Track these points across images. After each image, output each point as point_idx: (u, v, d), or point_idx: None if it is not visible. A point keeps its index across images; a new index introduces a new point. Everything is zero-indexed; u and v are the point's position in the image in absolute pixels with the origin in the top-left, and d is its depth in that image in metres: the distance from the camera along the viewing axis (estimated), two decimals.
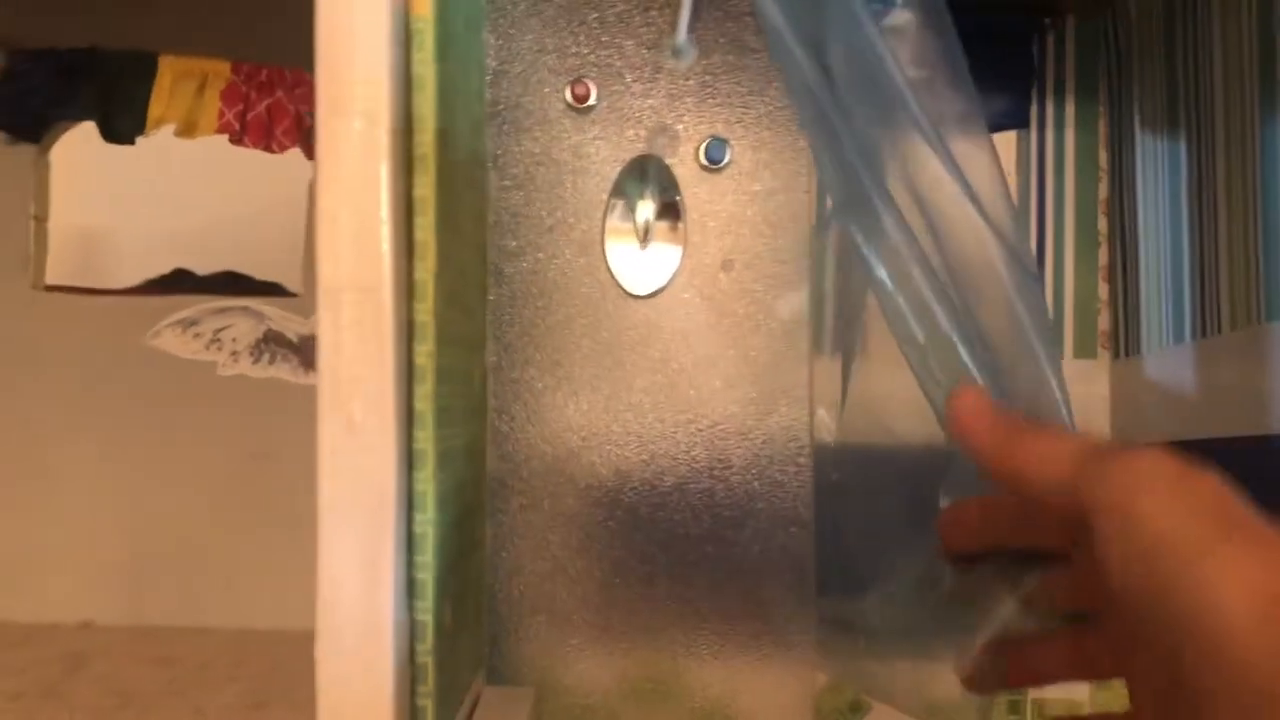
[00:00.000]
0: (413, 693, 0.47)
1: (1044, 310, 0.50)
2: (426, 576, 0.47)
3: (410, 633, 0.47)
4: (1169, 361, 1.14)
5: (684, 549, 0.63)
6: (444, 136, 0.51)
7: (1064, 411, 0.48)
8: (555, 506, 0.63)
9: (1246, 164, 0.82)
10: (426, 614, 0.47)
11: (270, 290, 1.25)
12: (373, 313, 0.44)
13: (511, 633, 0.62)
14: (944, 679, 0.49)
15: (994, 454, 0.32)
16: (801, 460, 0.63)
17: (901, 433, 0.58)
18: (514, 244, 0.63)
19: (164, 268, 1.37)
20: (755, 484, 0.62)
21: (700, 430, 0.63)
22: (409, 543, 0.47)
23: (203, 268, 1.32)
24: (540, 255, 0.63)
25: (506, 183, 0.63)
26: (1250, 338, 0.81)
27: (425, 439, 0.48)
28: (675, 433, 0.63)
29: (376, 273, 0.44)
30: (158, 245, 1.51)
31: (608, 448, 0.63)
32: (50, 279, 1.16)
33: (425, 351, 0.48)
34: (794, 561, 0.63)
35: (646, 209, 0.63)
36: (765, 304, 0.64)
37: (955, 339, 0.47)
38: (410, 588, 0.47)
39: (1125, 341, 1.25)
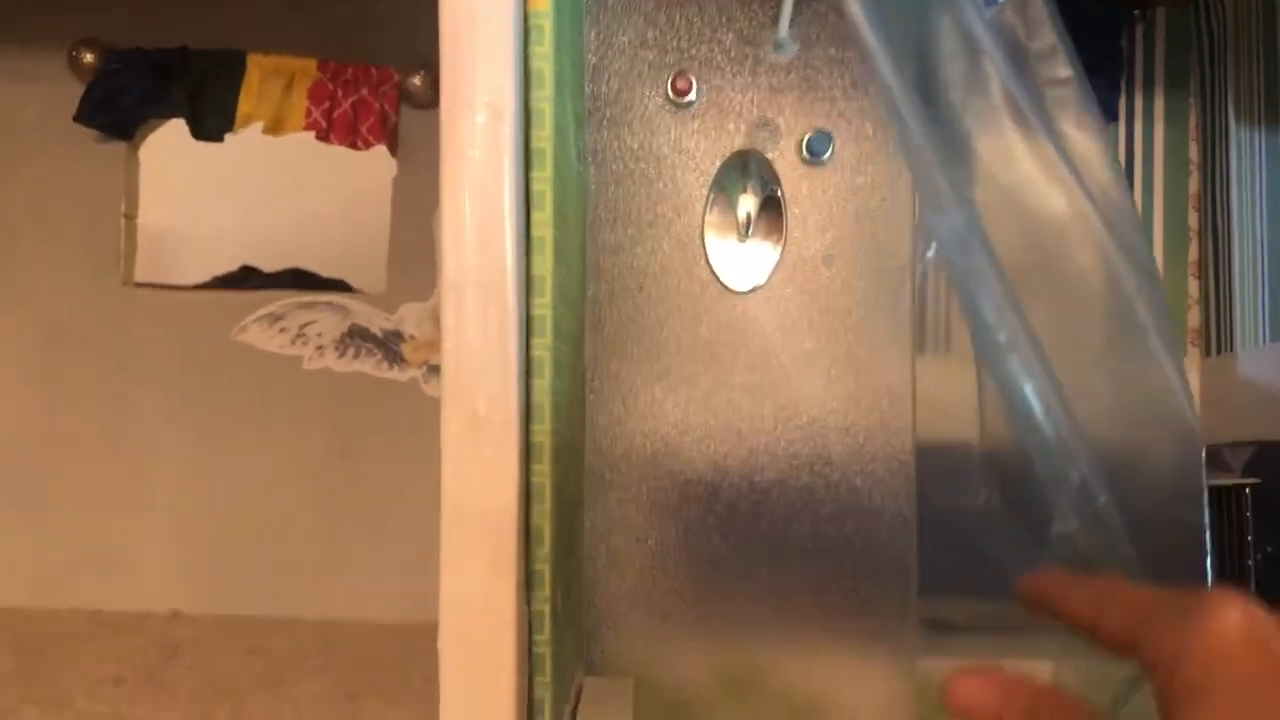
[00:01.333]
0: (530, 683, 0.48)
1: (1165, 312, 0.49)
2: (545, 568, 0.47)
3: (529, 624, 0.47)
4: (1265, 359, 1.11)
5: (783, 544, 0.62)
6: (559, 130, 0.51)
7: (1189, 415, 0.47)
8: (653, 500, 0.63)
9: None
10: (544, 604, 0.48)
11: (337, 287, 1.26)
12: (496, 308, 0.44)
13: (610, 626, 0.62)
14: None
15: (1071, 615, 0.33)
16: (903, 457, 0.62)
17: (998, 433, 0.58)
18: (613, 239, 0.63)
19: (231, 265, 1.39)
20: (856, 480, 0.62)
21: (800, 426, 0.62)
22: (527, 534, 0.47)
23: (269, 265, 1.34)
24: (639, 250, 0.63)
25: (606, 177, 0.63)
26: None
27: (543, 431, 0.48)
28: (775, 428, 0.63)
29: (499, 268, 0.44)
30: (227, 243, 1.54)
31: (706, 442, 0.63)
32: (137, 276, 1.18)
33: (543, 344, 0.48)
34: (895, 557, 0.62)
35: (747, 203, 0.62)
36: (868, 300, 0.63)
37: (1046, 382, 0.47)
38: (529, 579, 0.47)
39: (1217, 338, 1.22)
